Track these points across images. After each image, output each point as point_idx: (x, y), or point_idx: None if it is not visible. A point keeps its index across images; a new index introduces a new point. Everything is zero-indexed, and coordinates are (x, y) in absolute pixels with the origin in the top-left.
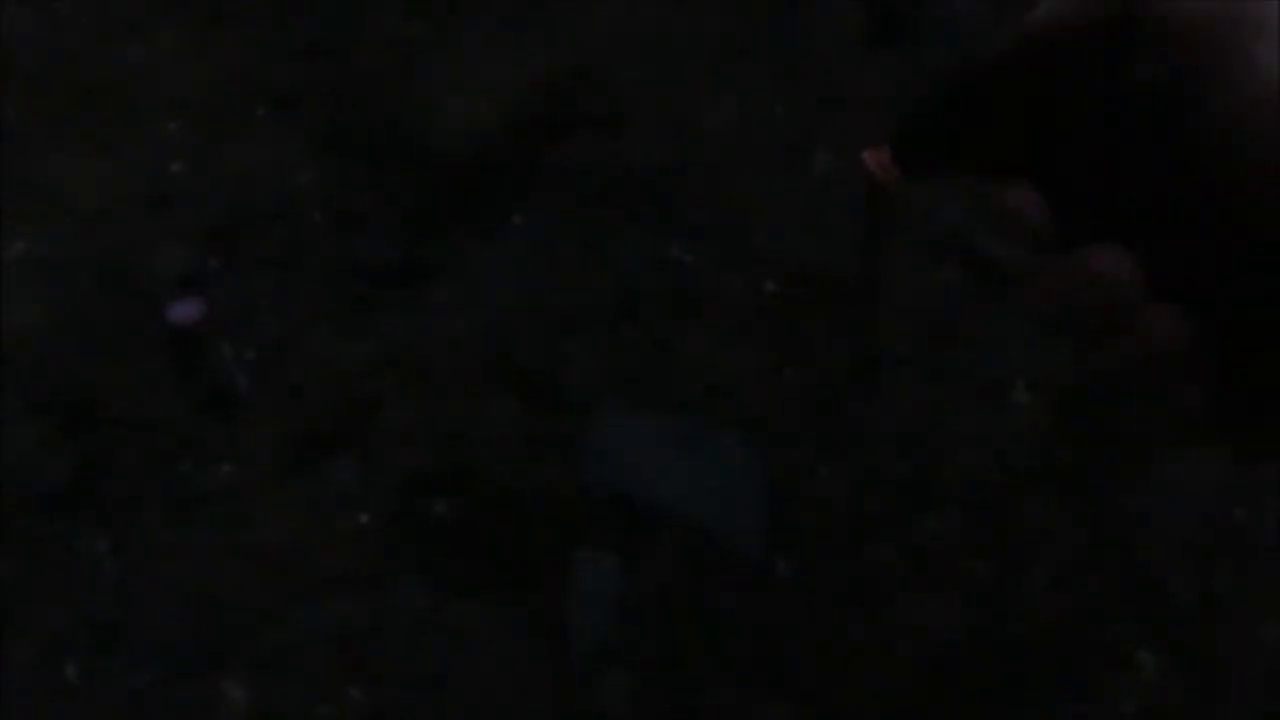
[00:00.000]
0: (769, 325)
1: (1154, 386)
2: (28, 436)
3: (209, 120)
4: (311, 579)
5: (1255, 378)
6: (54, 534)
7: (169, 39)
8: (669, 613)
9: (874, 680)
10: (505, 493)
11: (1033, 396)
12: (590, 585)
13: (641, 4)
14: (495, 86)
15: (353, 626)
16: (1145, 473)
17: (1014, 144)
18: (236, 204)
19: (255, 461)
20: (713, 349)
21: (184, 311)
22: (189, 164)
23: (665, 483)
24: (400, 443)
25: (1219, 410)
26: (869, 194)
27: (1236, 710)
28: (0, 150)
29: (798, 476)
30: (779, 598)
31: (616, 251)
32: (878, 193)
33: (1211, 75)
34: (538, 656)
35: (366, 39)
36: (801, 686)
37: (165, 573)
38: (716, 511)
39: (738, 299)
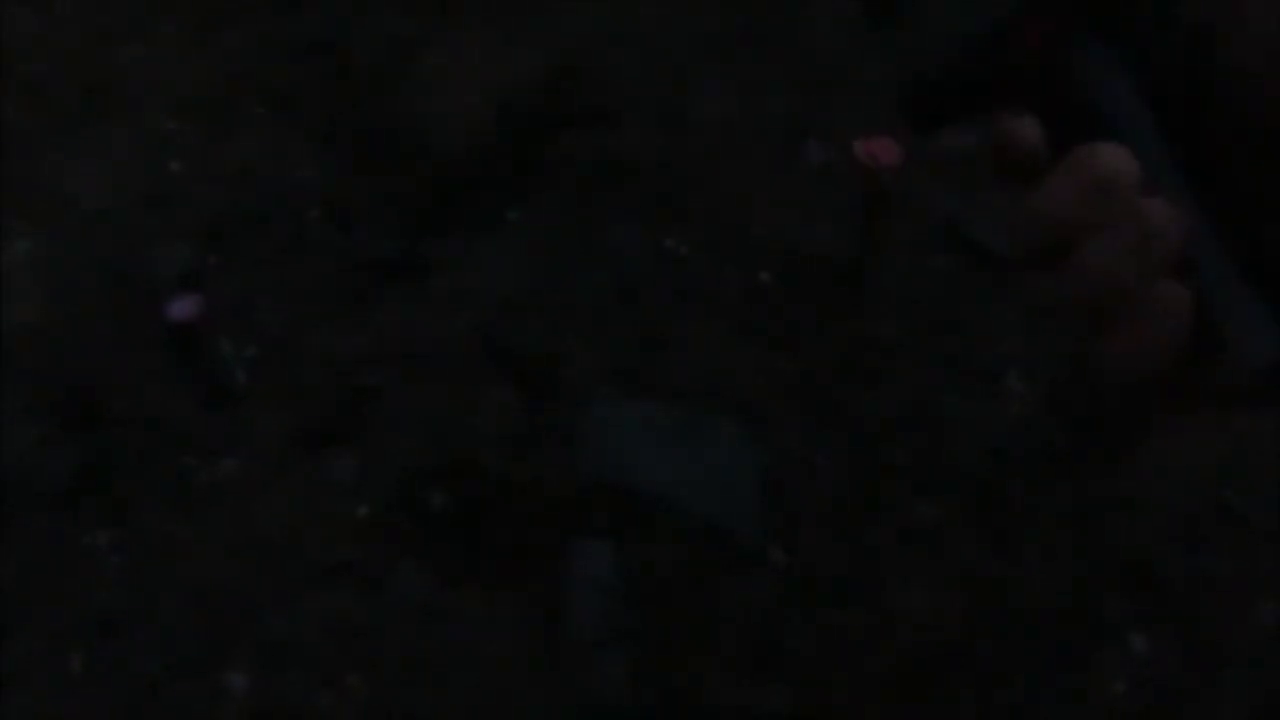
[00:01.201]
0: (764, 315)
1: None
2: (31, 434)
3: (208, 119)
4: (312, 570)
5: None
6: (58, 529)
7: (168, 38)
8: (665, 600)
9: (869, 664)
10: (503, 483)
11: (1026, 383)
12: (587, 573)
13: None
14: (491, 82)
15: (352, 616)
16: (1136, 456)
17: (1025, 84)
18: (235, 201)
19: (255, 455)
20: (708, 339)
21: (184, 308)
22: (188, 162)
23: (662, 471)
24: (399, 435)
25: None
26: (864, 183)
27: (1227, 689)
28: (0, 150)
29: (793, 464)
30: (774, 584)
31: (612, 243)
32: (872, 182)
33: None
34: (535, 644)
35: (363, 37)
36: (797, 671)
37: (167, 566)
38: (712, 499)
39: (733, 289)
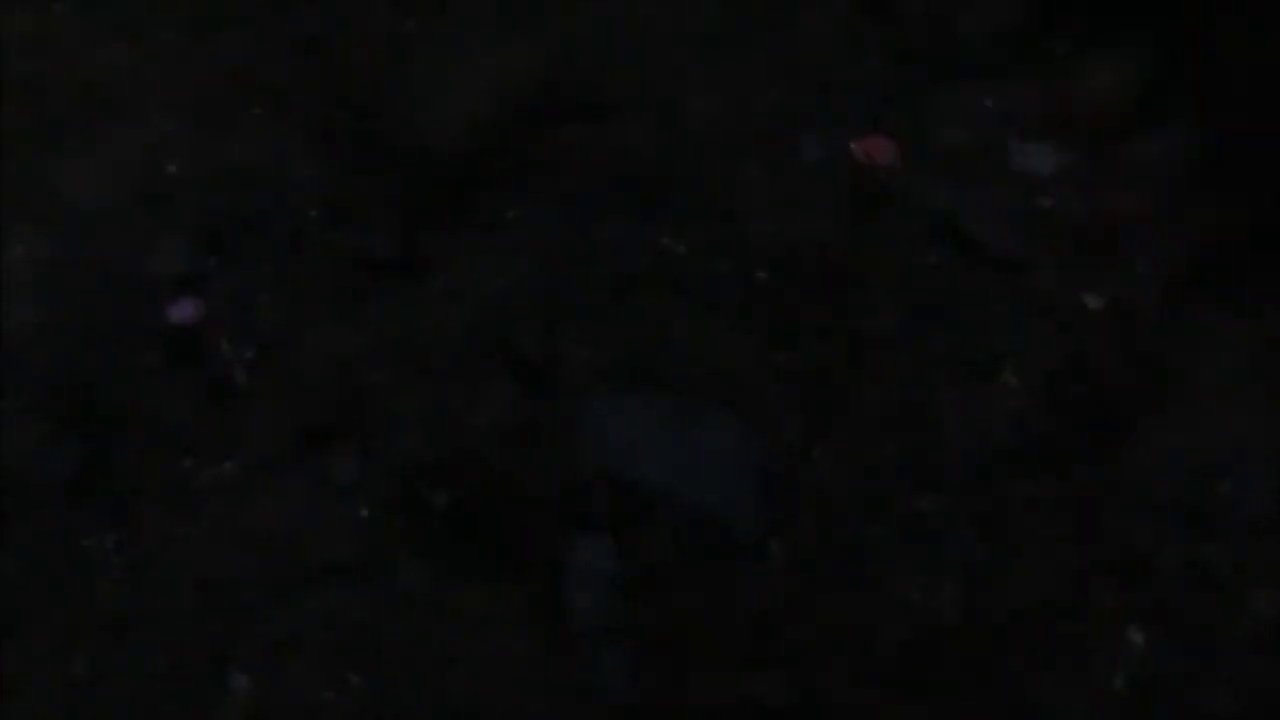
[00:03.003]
0: (761, 310)
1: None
2: (31, 434)
3: (205, 119)
4: (312, 568)
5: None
6: (60, 530)
7: (164, 39)
8: (665, 592)
9: (867, 657)
10: (502, 479)
11: (1021, 377)
12: (586, 567)
13: None
14: (487, 80)
15: (353, 614)
16: (1131, 449)
17: None
18: (234, 201)
19: (256, 454)
20: (706, 334)
21: (183, 308)
22: (187, 162)
23: (660, 465)
24: (398, 432)
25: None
26: (860, 181)
27: (1225, 682)
28: None
29: (790, 458)
30: (772, 577)
31: (610, 240)
32: (868, 180)
33: None
34: (535, 638)
35: (360, 35)
36: (796, 663)
37: (169, 566)
38: (711, 493)
39: (730, 285)
